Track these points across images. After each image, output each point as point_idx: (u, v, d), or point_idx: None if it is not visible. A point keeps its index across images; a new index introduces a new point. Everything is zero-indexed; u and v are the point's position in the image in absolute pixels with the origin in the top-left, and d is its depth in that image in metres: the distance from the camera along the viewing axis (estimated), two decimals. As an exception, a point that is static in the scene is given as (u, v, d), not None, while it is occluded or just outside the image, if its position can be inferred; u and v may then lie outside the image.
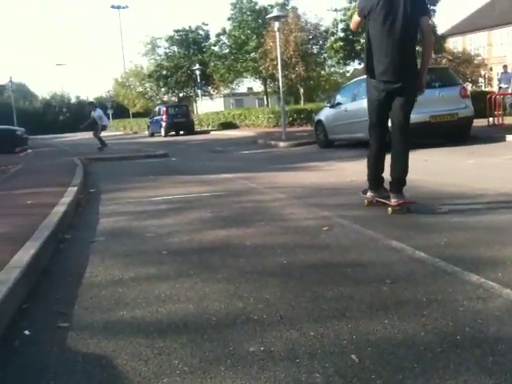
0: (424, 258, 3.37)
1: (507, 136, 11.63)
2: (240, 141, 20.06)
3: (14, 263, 3.26)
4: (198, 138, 25.32)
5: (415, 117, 10.55)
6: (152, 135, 31.90)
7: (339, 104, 13.24)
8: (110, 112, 47.07)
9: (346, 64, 30.65)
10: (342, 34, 27.39)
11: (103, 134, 19.33)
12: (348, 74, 38.74)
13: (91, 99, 42.31)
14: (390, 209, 4.82)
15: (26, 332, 2.57)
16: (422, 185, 6.37)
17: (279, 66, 18.39)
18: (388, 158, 4.98)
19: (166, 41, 47.26)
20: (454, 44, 39.22)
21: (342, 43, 26.92)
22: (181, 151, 16.69)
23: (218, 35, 41.56)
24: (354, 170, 8.18)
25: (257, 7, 38.20)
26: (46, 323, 2.68)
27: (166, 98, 49.79)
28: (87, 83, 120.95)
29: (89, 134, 20.67)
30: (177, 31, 46.48)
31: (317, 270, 3.28)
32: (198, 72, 39.11)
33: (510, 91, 20.47)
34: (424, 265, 3.25)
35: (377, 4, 4.69)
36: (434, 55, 27.28)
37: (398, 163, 4.85)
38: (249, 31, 37.08)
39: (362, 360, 2.09)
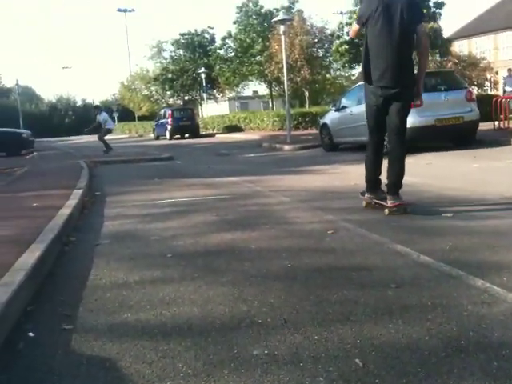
0: (429, 263, 3.36)
1: (513, 140, 11.58)
2: (245, 144, 20.07)
3: (19, 265, 3.28)
4: (203, 141, 25.35)
5: (421, 120, 10.78)
6: (157, 138, 31.94)
7: (344, 107, 13.22)
8: (116, 115, 47.31)
9: (351, 67, 30.67)
10: (347, 38, 27.33)
11: (108, 137, 19.38)
12: (353, 78, 38.71)
13: (97, 102, 42.53)
14: (386, 210, 4.96)
15: (31, 334, 2.58)
16: (427, 189, 6.36)
17: (284, 70, 18.40)
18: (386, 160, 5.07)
19: (172, 44, 47.44)
20: (460, 47, 39.14)
21: (347, 46, 26.89)
22: (186, 154, 16.72)
23: (223, 38, 41.66)
24: (358, 174, 8.11)
25: (262, 11, 38.28)
26: (51, 325, 2.69)
27: (171, 101, 49.89)
28: (93, 86, 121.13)
29: (94, 137, 20.72)
30: (183, 35, 46.64)
31: (321, 273, 3.28)
32: (203, 75, 39.25)
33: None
34: (429, 269, 3.25)
35: (375, 11, 4.84)
36: (439, 58, 27.29)
37: (394, 166, 4.99)
38: (254, 34, 37.11)
39: (366, 364, 2.09)
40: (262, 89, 45.60)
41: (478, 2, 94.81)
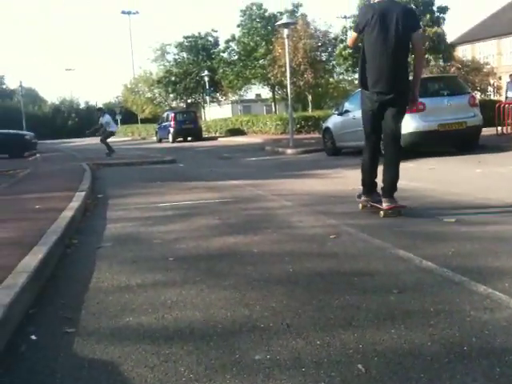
0: (431, 268, 3.36)
1: (516, 145, 11.58)
2: (247, 147, 20.09)
3: (22, 268, 3.28)
4: (206, 145, 25.38)
5: (424, 125, 10.79)
6: (160, 141, 31.98)
7: (347, 112, 13.21)
8: (119, 118, 47.31)
9: (354, 71, 30.64)
10: (350, 42, 27.35)
11: (111, 139, 19.40)
12: (356, 82, 38.70)
13: (100, 105, 42.65)
14: (382, 212, 5.11)
15: (33, 337, 2.58)
16: (429, 193, 6.36)
17: (288, 73, 18.41)
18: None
19: (176, 47, 47.52)
20: (463, 52, 39.19)
21: (350, 50, 26.90)
22: (188, 157, 16.73)
23: (227, 42, 41.74)
24: (361, 178, 8.14)
25: (266, 14, 38.36)
26: (53, 328, 2.69)
27: (174, 104, 49.95)
28: (96, 89, 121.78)
29: (96, 140, 20.75)
30: (186, 37, 46.69)
31: (324, 278, 3.28)
32: (206, 78, 39.28)
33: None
34: (431, 274, 3.24)
35: (371, 19, 4.97)
36: (442, 63, 27.29)
37: (389, 170, 5.14)
38: (258, 38, 37.19)
39: (368, 370, 2.08)
40: (265, 92, 45.70)
41: (482, 7, 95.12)
